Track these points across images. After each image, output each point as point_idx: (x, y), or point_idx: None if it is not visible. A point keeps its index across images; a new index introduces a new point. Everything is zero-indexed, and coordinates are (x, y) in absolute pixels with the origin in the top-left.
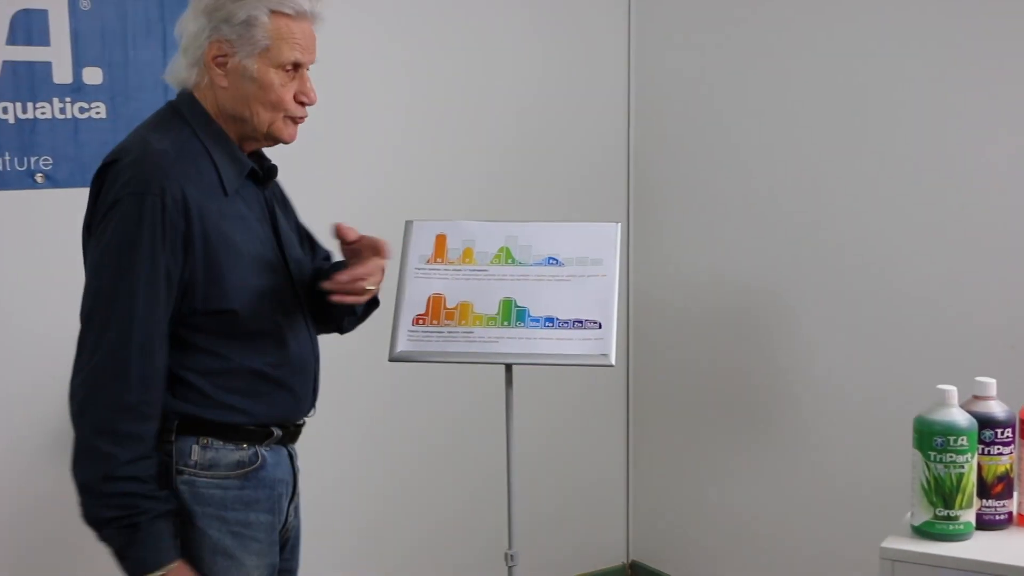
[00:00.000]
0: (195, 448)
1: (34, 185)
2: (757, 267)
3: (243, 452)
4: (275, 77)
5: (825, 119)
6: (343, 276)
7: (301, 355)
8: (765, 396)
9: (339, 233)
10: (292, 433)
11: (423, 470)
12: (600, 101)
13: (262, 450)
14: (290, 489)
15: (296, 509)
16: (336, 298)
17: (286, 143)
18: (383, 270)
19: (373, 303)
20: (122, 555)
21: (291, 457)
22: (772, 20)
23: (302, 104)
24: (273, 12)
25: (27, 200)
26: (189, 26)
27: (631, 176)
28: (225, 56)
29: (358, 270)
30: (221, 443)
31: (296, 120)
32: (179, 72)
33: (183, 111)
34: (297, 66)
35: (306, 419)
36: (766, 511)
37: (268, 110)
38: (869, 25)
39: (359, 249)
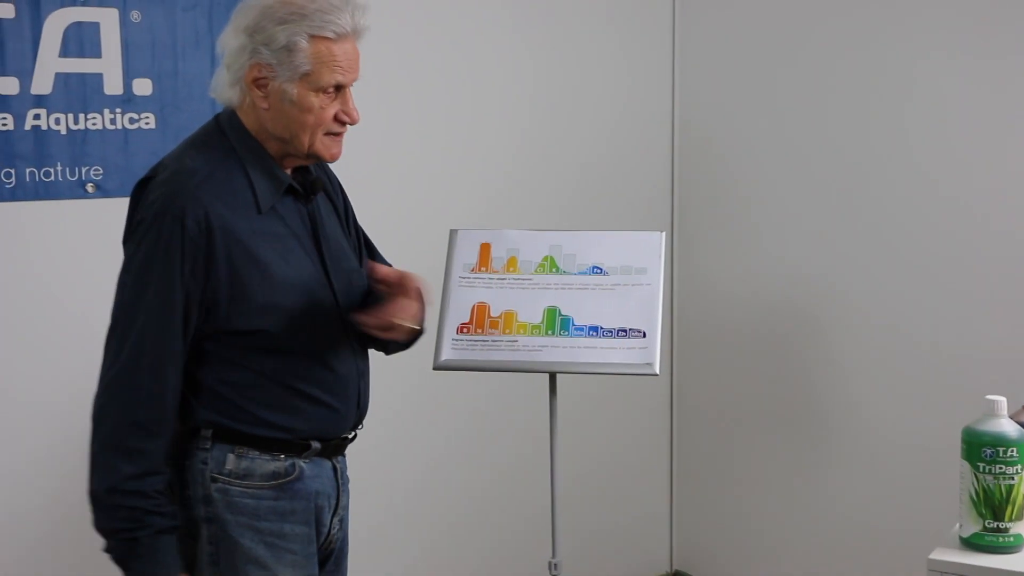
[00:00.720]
0: (231, 457)
1: (85, 195)
2: (802, 275)
3: (279, 463)
4: (315, 100)
5: (869, 127)
6: (371, 319)
7: (341, 373)
8: (810, 405)
9: (370, 273)
10: (335, 446)
11: (466, 479)
12: (644, 110)
13: (300, 462)
14: (333, 501)
15: (342, 521)
16: (373, 333)
17: (329, 161)
18: (420, 308)
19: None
20: (125, 567)
21: (335, 469)
22: (815, 26)
23: (343, 123)
24: (313, 36)
25: (78, 210)
26: (230, 42)
27: (675, 184)
28: (265, 79)
29: (386, 311)
30: (257, 453)
31: (337, 138)
32: (223, 89)
33: (224, 128)
34: (339, 87)
35: (355, 432)
36: (810, 521)
37: (308, 132)
38: (911, 30)
39: (393, 287)
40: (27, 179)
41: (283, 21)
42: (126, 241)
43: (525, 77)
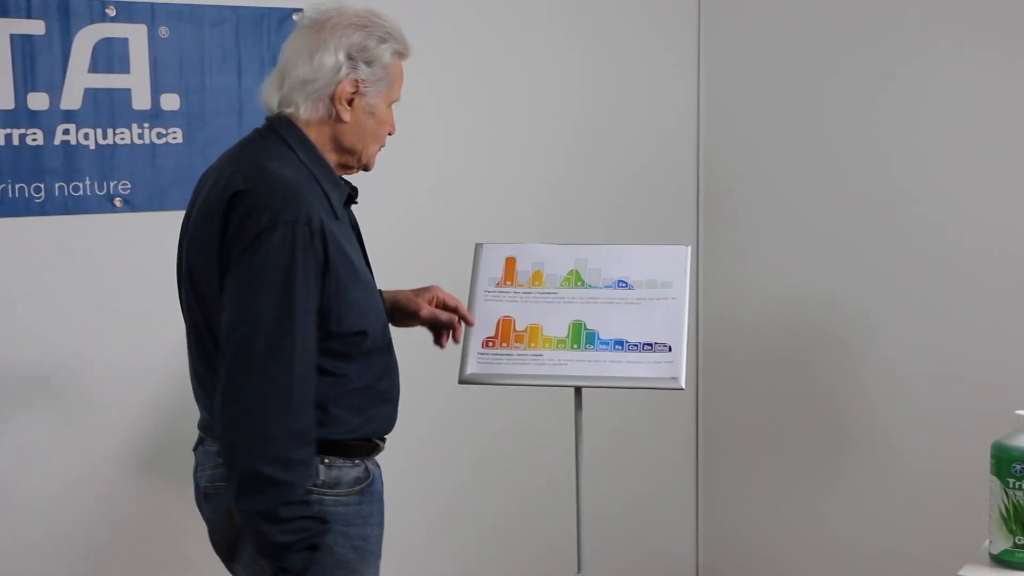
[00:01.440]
0: (321, 468)
1: (113, 209)
2: (830, 288)
3: (358, 468)
4: (388, 114)
5: (897, 145)
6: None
7: (397, 368)
8: (835, 420)
9: (441, 302)
10: (383, 446)
11: (492, 493)
12: (670, 124)
13: (369, 464)
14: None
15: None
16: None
17: (370, 171)
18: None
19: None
20: None
21: (380, 470)
22: (843, 43)
23: (389, 134)
24: (396, 53)
25: (106, 224)
26: (325, 60)
27: (700, 199)
28: (355, 94)
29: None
30: (341, 460)
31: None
32: (296, 103)
33: (287, 139)
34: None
35: None
36: (836, 538)
37: (376, 143)
38: (942, 46)
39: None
40: (56, 194)
41: (383, 40)
42: (233, 252)
43: (551, 91)
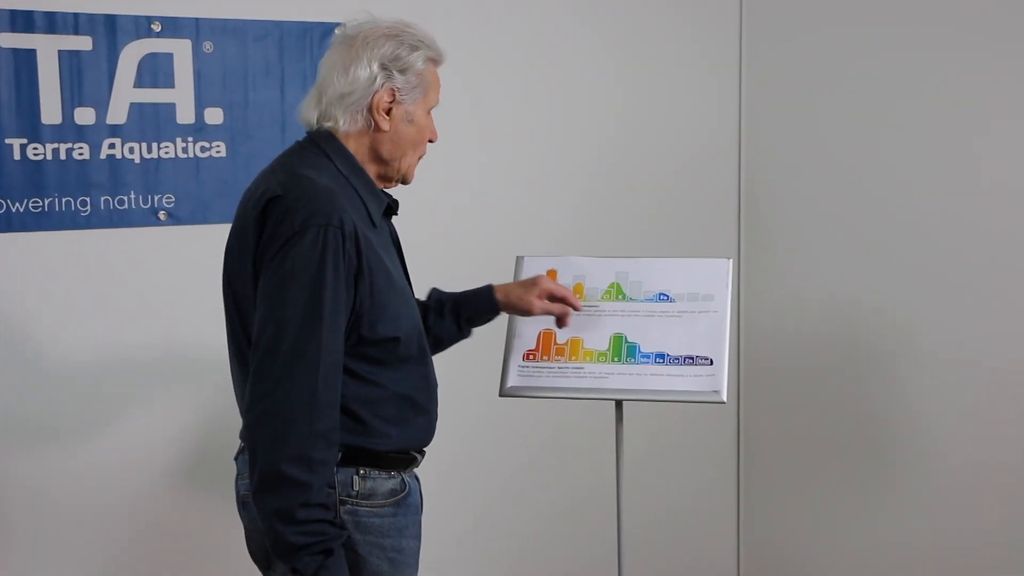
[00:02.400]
0: (355, 478)
1: (157, 223)
2: (872, 298)
3: (394, 480)
4: (427, 121)
5: (939, 156)
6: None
7: (435, 380)
8: (880, 434)
9: (549, 292)
10: (420, 460)
11: (532, 506)
12: (711, 137)
13: (406, 477)
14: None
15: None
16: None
17: (408, 184)
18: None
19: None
20: None
21: (419, 482)
22: (885, 53)
23: (430, 142)
24: (430, 59)
25: (151, 237)
26: (358, 73)
27: (742, 211)
28: (392, 103)
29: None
30: (377, 472)
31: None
32: (335, 116)
33: (326, 150)
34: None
35: None
36: (882, 552)
37: (415, 152)
38: (987, 59)
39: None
40: (102, 207)
41: (414, 48)
42: (266, 256)
43: (591, 102)
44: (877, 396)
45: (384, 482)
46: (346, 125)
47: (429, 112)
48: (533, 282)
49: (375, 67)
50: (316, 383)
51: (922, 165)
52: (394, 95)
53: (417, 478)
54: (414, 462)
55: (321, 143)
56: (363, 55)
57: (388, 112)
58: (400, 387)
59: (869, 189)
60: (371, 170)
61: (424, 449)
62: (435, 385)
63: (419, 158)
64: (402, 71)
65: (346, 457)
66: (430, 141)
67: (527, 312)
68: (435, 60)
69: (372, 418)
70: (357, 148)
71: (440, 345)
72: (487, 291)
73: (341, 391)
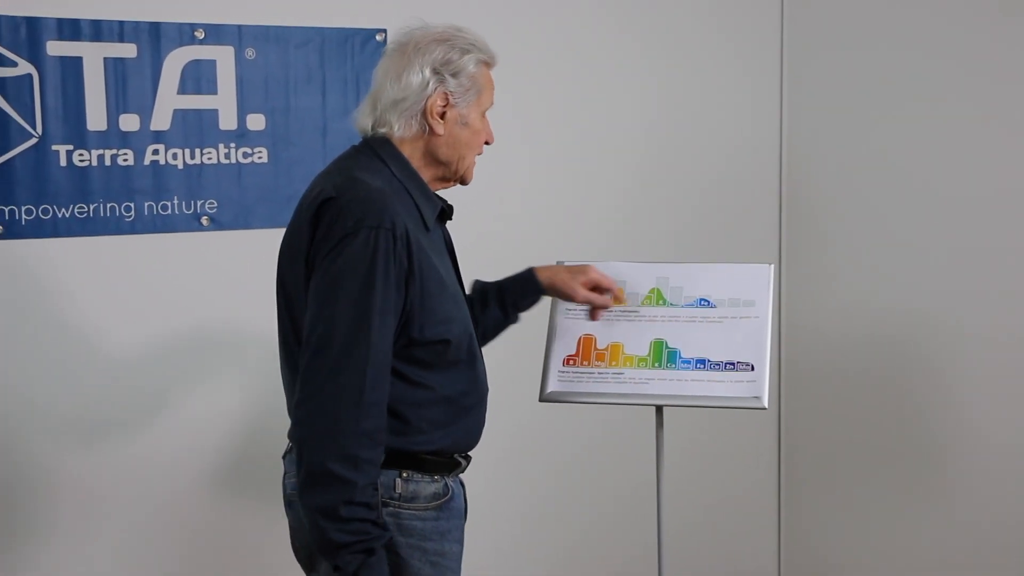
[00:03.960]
0: (398, 481)
1: (200, 228)
2: (915, 304)
3: (437, 484)
4: (482, 123)
5: (984, 158)
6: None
7: (485, 384)
8: (925, 440)
9: (595, 283)
10: (465, 464)
11: (572, 511)
12: (752, 141)
13: (450, 481)
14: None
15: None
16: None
17: (468, 183)
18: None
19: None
20: None
21: (463, 487)
22: (929, 47)
23: (487, 144)
24: (482, 62)
25: (193, 242)
26: (411, 79)
27: (783, 216)
28: (446, 106)
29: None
30: (420, 475)
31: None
32: (390, 122)
33: (381, 154)
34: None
35: None
36: (924, 554)
37: (472, 154)
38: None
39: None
40: (145, 213)
41: (465, 51)
42: (318, 256)
43: (633, 109)
44: (920, 401)
45: (427, 485)
46: (400, 130)
47: (484, 114)
48: (582, 270)
49: (427, 72)
50: (364, 382)
51: (966, 167)
52: (447, 99)
53: (462, 484)
54: (458, 467)
55: (376, 148)
56: (415, 61)
57: (442, 116)
58: (447, 390)
59: (912, 191)
60: (428, 173)
61: (469, 454)
62: (485, 389)
63: (476, 157)
64: (454, 75)
65: (389, 459)
66: (486, 143)
67: (570, 297)
68: (487, 63)
69: (417, 420)
70: (412, 152)
71: (487, 336)
72: (529, 274)
73: (392, 392)
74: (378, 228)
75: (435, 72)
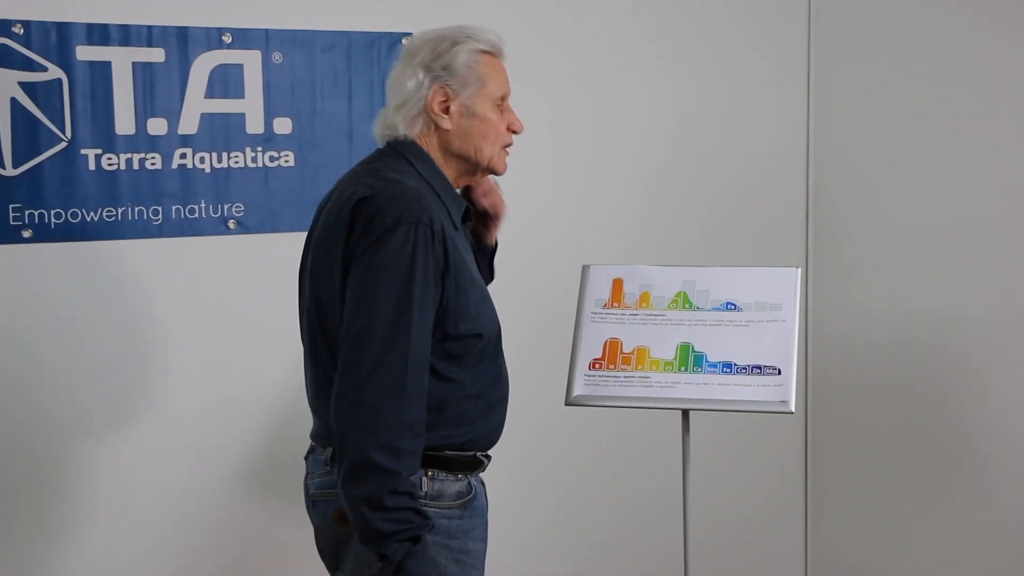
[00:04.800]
0: (424, 479)
1: (227, 231)
2: (943, 307)
3: (461, 483)
4: (492, 111)
5: (1015, 158)
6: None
7: (507, 377)
8: (953, 439)
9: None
10: (486, 463)
11: (597, 516)
12: (779, 144)
13: (473, 480)
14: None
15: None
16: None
17: (500, 174)
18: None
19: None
20: (402, 569)
21: (484, 487)
22: (953, 50)
23: (514, 132)
24: (482, 52)
25: (220, 245)
26: (406, 83)
27: (810, 219)
28: (447, 100)
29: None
30: (445, 474)
31: (506, 151)
32: (396, 125)
33: (407, 155)
34: (503, 98)
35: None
36: (953, 560)
37: (490, 144)
38: None
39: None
40: (173, 216)
41: (456, 43)
42: (356, 252)
43: (658, 112)
44: (947, 404)
45: (451, 484)
46: (405, 129)
47: (498, 103)
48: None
49: (420, 73)
50: (405, 374)
51: (993, 169)
52: (446, 93)
53: (483, 482)
54: (480, 465)
55: (401, 149)
56: (410, 65)
57: (446, 111)
58: (475, 386)
59: (939, 194)
60: (451, 170)
61: (489, 453)
62: (507, 382)
63: (504, 148)
64: (446, 68)
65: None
66: (513, 132)
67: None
68: (488, 51)
69: (447, 415)
70: (432, 150)
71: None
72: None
73: (427, 385)
74: (417, 224)
75: (427, 69)
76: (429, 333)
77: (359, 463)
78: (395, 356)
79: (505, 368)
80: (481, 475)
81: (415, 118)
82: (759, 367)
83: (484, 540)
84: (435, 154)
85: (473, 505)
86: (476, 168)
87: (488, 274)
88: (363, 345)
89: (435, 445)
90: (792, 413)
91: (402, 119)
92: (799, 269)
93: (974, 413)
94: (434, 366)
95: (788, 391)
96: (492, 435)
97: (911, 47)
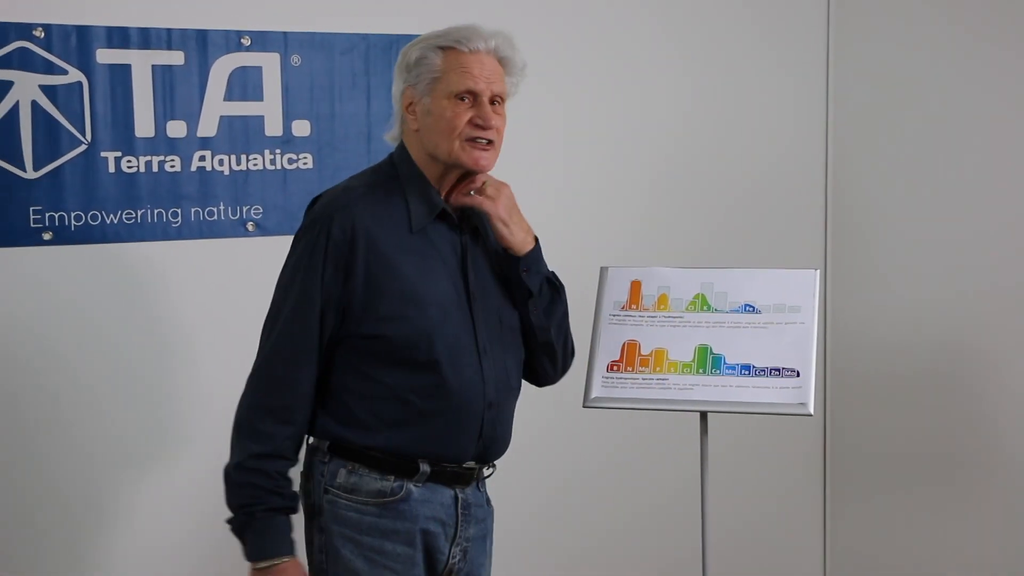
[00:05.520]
0: (343, 471)
1: (245, 233)
2: (963, 309)
3: (387, 483)
4: (447, 106)
5: None
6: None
7: (463, 398)
8: (973, 443)
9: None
10: (454, 475)
11: (616, 518)
12: (797, 145)
13: (410, 484)
14: (451, 531)
15: (464, 552)
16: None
17: (474, 169)
18: (495, 185)
19: (551, 350)
20: (242, 540)
21: (456, 499)
22: (973, 51)
23: (478, 127)
24: (443, 48)
25: (239, 248)
26: (393, 90)
27: (828, 221)
28: (413, 103)
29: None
30: (367, 471)
31: (477, 145)
32: (395, 131)
33: (394, 158)
34: (473, 94)
35: (487, 467)
36: (974, 566)
37: (445, 138)
38: None
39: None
40: (192, 218)
41: (416, 44)
42: None
43: (676, 113)
44: (967, 407)
45: (372, 482)
46: (394, 132)
47: (456, 98)
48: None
49: (398, 77)
50: (276, 363)
51: (1013, 170)
52: (412, 94)
53: (458, 494)
54: (417, 472)
55: (394, 152)
56: (395, 71)
57: (413, 112)
58: (399, 390)
59: (959, 196)
60: (432, 170)
61: (456, 464)
62: (465, 400)
63: (468, 141)
64: (408, 69)
65: (339, 451)
66: (478, 126)
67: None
68: (445, 47)
69: (364, 413)
70: (414, 151)
71: (535, 332)
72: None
73: (341, 382)
74: (313, 224)
75: (400, 73)
76: (312, 327)
77: (230, 439)
78: (270, 347)
79: (463, 381)
80: (457, 487)
81: (398, 120)
82: (778, 369)
83: (413, 546)
84: (419, 155)
85: (398, 508)
86: (448, 165)
87: (518, 281)
88: (261, 338)
89: (353, 440)
90: (811, 415)
91: (396, 124)
92: (818, 271)
93: (994, 415)
94: (356, 363)
95: (807, 393)
96: (440, 446)
97: (931, 45)
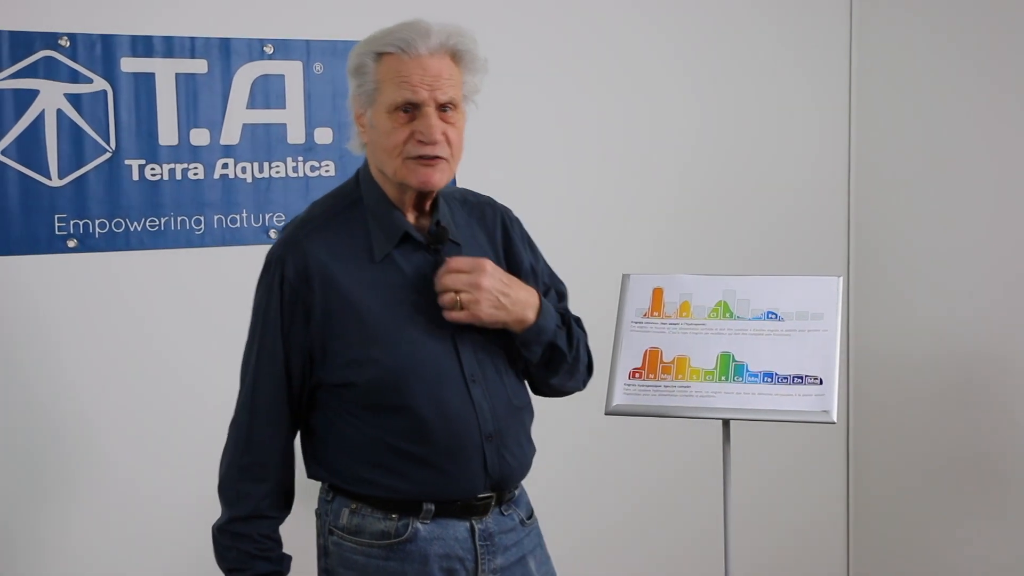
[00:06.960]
0: (345, 512)
1: (268, 241)
2: (987, 320)
3: (391, 522)
4: (387, 121)
5: None
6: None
7: (452, 430)
8: (998, 452)
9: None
10: (466, 508)
11: (637, 525)
12: (820, 152)
13: (416, 523)
14: (470, 564)
15: None
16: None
17: (420, 189)
18: (468, 283)
19: (561, 358)
20: None
21: (473, 531)
22: (998, 59)
23: (421, 143)
24: (379, 54)
25: (262, 255)
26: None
27: (851, 228)
28: (360, 114)
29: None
30: (370, 510)
31: (422, 162)
32: (352, 139)
33: (360, 173)
34: (415, 106)
35: (507, 492)
36: None
37: (390, 157)
38: None
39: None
40: (215, 226)
41: (357, 47)
42: None
43: (698, 121)
44: (992, 415)
45: (376, 522)
46: (353, 142)
47: (397, 112)
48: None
49: (350, 85)
50: (247, 418)
51: None
52: (358, 105)
53: (474, 525)
54: (421, 510)
55: (360, 167)
56: None
57: (363, 125)
58: (384, 435)
59: (980, 203)
60: (391, 188)
61: (465, 499)
62: (458, 437)
63: (414, 159)
64: (351, 75)
65: (341, 489)
66: (421, 142)
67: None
68: (382, 52)
69: (354, 461)
70: (372, 166)
71: (537, 377)
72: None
73: (325, 427)
74: (270, 263)
75: (349, 80)
76: (279, 378)
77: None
78: (243, 400)
79: (438, 420)
80: (472, 519)
81: (356, 133)
82: (800, 377)
83: None
84: (377, 172)
85: (405, 548)
86: (397, 181)
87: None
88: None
89: (348, 488)
90: (834, 423)
91: (353, 135)
92: (841, 278)
93: (1019, 423)
94: (336, 409)
95: (830, 401)
96: (441, 489)
97: (954, 53)
